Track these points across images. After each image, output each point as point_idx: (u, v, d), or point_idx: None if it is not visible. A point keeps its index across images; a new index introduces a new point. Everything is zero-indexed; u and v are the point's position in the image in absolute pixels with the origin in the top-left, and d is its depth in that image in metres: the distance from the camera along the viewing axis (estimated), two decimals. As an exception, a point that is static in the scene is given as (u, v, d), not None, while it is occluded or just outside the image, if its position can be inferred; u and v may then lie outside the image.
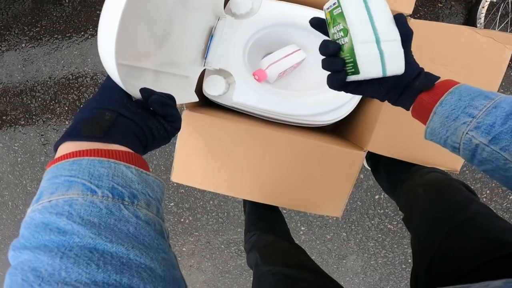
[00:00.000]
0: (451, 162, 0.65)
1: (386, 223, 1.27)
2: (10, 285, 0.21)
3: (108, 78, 0.35)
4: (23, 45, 1.27)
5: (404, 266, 1.35)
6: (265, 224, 0.89)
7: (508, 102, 0.32)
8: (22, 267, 0.21)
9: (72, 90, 1.25)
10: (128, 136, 0.32)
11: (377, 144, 0.65)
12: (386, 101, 0.43)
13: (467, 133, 0.33)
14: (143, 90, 0.36)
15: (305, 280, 0.53)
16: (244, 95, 0.65)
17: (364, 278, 1.41)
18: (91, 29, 1.19)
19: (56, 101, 1.28)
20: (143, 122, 0.34)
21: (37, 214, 0.24)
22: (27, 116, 1.33)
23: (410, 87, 0.39)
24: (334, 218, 1.27)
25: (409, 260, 1.34)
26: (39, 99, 1.30)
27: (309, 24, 0.42)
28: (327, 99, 0.66)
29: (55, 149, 0.31)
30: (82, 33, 1.20)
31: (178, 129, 0.39)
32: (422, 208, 0.59)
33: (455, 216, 0.51)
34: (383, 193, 1.20)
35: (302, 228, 1.30)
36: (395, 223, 1.26)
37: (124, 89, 0.34)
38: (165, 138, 0.38)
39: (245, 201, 1.12)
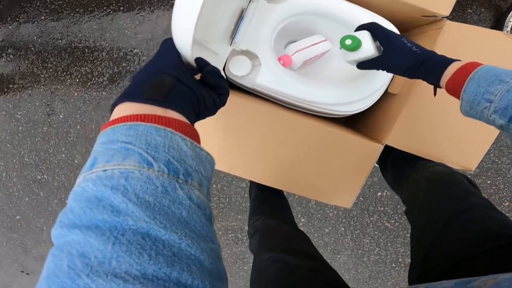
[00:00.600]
0: (466, 162, 0.68)
1: (384, 221, 1.31)
2: (53, 269, 0.19)
3: (165, 44, 0.35)
4: (43, 17, 1.26)
5: (394, 265, 1.39)
6: (270, 209, 0.90)
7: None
8: (70, 250, 0.19)
9: (86, 63, 1.25)
10: (184, 104, 0.31)
11: (396, 138, 0.66)
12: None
13: (490, 116, 0.38)
14: (199, 60, 0.36)
15: (305, 268, 0.53)
16: (268, 78, 0.65)
17: (354, 275, 1.44)
18: (114, 4, 1.19)
19: (68, 72, 1.27)
20: (199, 91, 0.33)
21: (90, 185, 0.22)
22: (35, 85, 1.31)
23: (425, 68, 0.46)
24: (335, 212, 1.31)
25: (400, 259, 1.38)
26: (50, 70, 1.29)
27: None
28: (350, 90, 0.67)
29: (111, 110, 0.29)
30: (105, 7, 1.20)
31: (224, 102, 0.38)
32: (422, 200, 0.61)
33: (452, 208, 0.53)
34: (385, 191, 1.25)
35: (302, 220, 1.32)
36: (392, 221, 1.31)
37: (189, 56, 0.34)
38: (213, 110, 0.37)
39: (251, 185, 1.14)
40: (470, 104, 0.40)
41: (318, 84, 0.68)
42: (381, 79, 0.66)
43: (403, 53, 0.48)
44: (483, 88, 0.38)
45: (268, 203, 0.93)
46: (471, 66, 0.41)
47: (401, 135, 0.66)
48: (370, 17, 0.66)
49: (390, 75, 0.67)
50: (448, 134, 0.66)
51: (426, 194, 0.61)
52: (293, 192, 0.73)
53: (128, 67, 1.21)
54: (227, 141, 0.67)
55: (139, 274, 0.18)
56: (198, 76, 0.36)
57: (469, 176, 0.63)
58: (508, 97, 0.36)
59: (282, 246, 0.63)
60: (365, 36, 0.52)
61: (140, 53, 1.18)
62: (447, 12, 0.61)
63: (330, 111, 0.69)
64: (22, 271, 1.79)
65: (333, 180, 0.69)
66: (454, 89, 0.42)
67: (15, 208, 1.52)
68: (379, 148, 0.65)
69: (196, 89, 0.33)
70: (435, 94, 0.49)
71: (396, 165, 0.82)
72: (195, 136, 0.29)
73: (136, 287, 0.18)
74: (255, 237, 0.75)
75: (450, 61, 0.44)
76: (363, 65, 0.54)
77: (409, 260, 0.56)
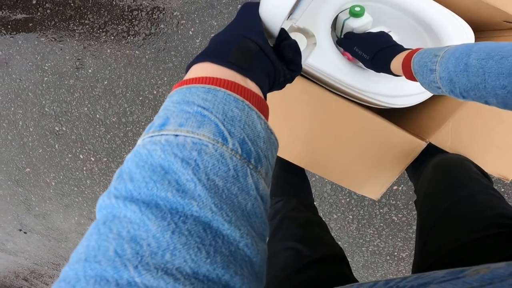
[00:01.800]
0: (504, 171, 0.67)
1: (392, 215, 1.33)
2: (95, 251, 0.16)
3: (247, 7, 0.33)
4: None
5: (388, 258, 1.40)
6: (292, 190, 0.87)
7: (442, 69, 0.40)
8: (120, 230, 0.17)
9: (123, 22, 1.28)
10: (263, 75, 0.29)
11: (442, 139, 0.65)
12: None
13: (452, 96, 0.42)
14: (283, 31, 0.34)
15: (316, 257, 0.52)
16: (322, 59, 0.63)
17: (349, 263, 1.45)
18: (159, -33, 1.23)
19: (104, 30, 1.30)
20: (277, 64, 0.31)
21: (159, 151, 0.20)
22: (68, 40, 1.34)
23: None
24: (347, 200, 1.32)
25: (395, 253, 1.39)
26: (87, 26, 1.31)
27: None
28: (405, 83, 0.64)
29: (187, 69, 0.28)
30: (149, -31, 1.24)
31: (293, 79, 0.37)
32: (427, 187, 0.61)
33: (454, 193, 0.53)
34: (402, 185, 1.27)
35: (314, 203, 1.34)
36: (400, 215, 1.33)
37: (277, 27, 0.33)
38: (282, 85, 0.36)
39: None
40: (431, 90, 0.44)
41: (370, 74, 0.66)
42: None
43: (360, 59, 0.56)
44: (426, 79, 0.43)
45: (291, 184, 0.90)
46: (408, 60, 0.46)
47: (448, 136, 0.65)
48: (444, 12, 0.64)
49: None
50: (495, 141, 0.65)
51: (431, 181, 0.61)
52: (326, 177, 0.72)
53: (165, 29, 1.23)
54: (269, 114, 0.67)
55: (191, 273, 0.16)
56: None
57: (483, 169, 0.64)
58: (444, 83, 0.40)
59: (298, 233, 0.62)
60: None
61: (179, 16, 1.21)
62: None
63: (380, 102, 0.67)
64: (20, 229, 1.76)
65: (367, 170, 0.68)
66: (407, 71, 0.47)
67: (26, 160, 1.52)
68: (422, 145, 0.64)
69: (275, 62, 0.31)
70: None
71: (418, 157, 0.84)
72: (267, 114, 0.28)
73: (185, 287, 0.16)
74: (274, 221, 0.74)
75: (389, 57, 0.50)
76: (341, 42, 0.64)
77: (403, 255, 0.57)
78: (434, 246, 0.49)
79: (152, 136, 0.21)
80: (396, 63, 0.49)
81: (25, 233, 1.75)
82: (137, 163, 0.20)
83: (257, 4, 0.32)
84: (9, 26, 1.40)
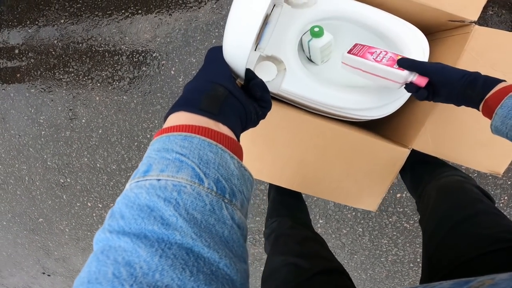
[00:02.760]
0: (494, 165, 0.67)
1: (403, 222, 1.30)
2: (96, 275, 0.19)
3: (213, 52, 0.35)
4: (62, 20, 1.29)
5: (412, 265, 1.39)
6: (287, 211, 0.90)
7: None
8: (116, 257, 0.19)
9: (106, 67, 1.27)
10: (234, 118, 0.31)
11: (424, 143, 0.65)
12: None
13: None
14: (249, 71, 0.35)
15: (316, 271, 0.53)
16: (293, 83, 0.65)
17: (371, 275, 1.44)
18: (132, 8, 1.21)
19: (89, 77, 1.30)
20: (247, 105, 0.33)
21: (144, 194, 0.22)
22: (57, 90, 1.35)
23: (468, 94, 0.44)
24: (353, 213, 1.30)
25: (418, 259, 1.37)
26: (72, 74, 1.32)
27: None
28: (376, 95, 0.67)
29: (165, 118, 0.30)
30: (123, 11, 1.23)
31: (265, 115, 0.39)
32: (431, 208, 0.62)
33: (459, 213, 0.53)
34: (405, 192, 1.24)
35: (320, 221, 1.33)
36: (411, 222, 1.30)
37: (241, 69, 0.34)
38: (255, 122, 0.37)
39: (270, 187, 1.15)
40: (503, 119, 0.40)
41: (343, 89, 0.67)
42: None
43: (449, 76, 0.46)
44: None
45: (286, 206, 0.93)
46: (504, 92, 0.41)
47: (429, 140, 0.65)
48: (396, 22, 0.66)
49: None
50: (476, 138, 0.65)
51: (435, 202, 0.62)
52: (319, 196, 0.73)
53: (148, 71, 1.23)
54: (253, 146, 0.67)
55: None
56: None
57: (488, 188, 0.64)
58: None
59: (296, 249, 0.64)
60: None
61: (159, 57, 1.20)
62: (475, 17, 0.60)
63: (355, 116, 0.69)
64: (43, 273, 1.83)
65: (359, 184, 0.69)
66: (491, 106, 0.42)
67: (38, 211, 1.56)
68: (406, 152, 0.65)
69: (245, 103, 0.33)
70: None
71: (415, 169, 0.82)
72: (240, 154, 0.30)
73: None
74: (270, 239, 0.75)
75: (496, 81, 0.43)
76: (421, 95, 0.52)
77: (421, 270, 0.57)
78: (441, 262, 0.49)
79: (138, 181, 0.24)
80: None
81: (48, 275, 1.82)
82: (126, 204, 0.22)
83: (221, 47, 0.34)
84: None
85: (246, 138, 0.66)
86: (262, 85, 0.35)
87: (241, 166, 0.28)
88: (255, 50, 0.66)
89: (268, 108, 0.38)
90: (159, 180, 0.23)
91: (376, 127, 0.91)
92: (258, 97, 0.36)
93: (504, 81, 0.43)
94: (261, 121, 0.37)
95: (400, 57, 0.57)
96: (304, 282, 0.51)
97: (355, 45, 0.65)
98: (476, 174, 1.18)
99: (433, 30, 0.75)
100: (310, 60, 0.73)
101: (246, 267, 0.25)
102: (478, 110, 0.46)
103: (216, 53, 0.35)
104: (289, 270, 0.55)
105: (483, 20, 1.04)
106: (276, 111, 0.64)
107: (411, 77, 0.51)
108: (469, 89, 0.44)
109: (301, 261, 0.56)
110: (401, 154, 0.65)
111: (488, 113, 0.43)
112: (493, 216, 0.51)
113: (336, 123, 0.69)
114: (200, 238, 0.21)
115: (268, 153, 0.68)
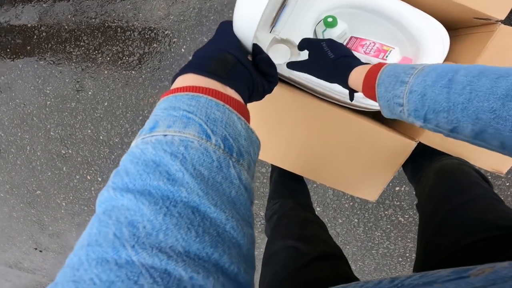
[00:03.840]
0: (498, 165, 0.67)
1: (398, 216, 1.32)
2: (97, 237, 0.18)
3: (224, 25, 0.36)
4: (78, -6, 1.31)
5: (400, 259, 1.40)
6: (289, 193, 0.90)
7: (418, 82, 0.34)
8: (118, 217, 0.19)
9: (117, 43, 1.29)
10: (241, 84, 0.31)
11: (431, 137, 0.65)
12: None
13: (408, 118, 0.37)
14: (256, 46, 0.36)
15: (315, 255, 0.53)
16: None
17: (361, 266, 1.45)
18: (148, -14, 1.24)
19: (100, 51, 1.32)
20: (255, 75, 0.34)
21: (150, 149, 0.22)
22: (66, 62, 1.36)
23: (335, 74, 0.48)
24: (351, 204, 1.32)
25: (407, 254, 1.38)
26: (82, 48, 1.33)
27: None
28: None
29: (173, 80, 0.30)
30: (139, -12, 1.25)
31: (271, 90, 0.39)
32: (427, 193, 0.61)
33: (455, 197, 0.53)
34: (404, 186, 1.26)
35: (318, 209, 1.34)
36: (406, 216, 1.32)
37: (249, 43, 0.35)
38: (261, 95, 0.38)
39: (272, 170, 1.16)
40: (388, 109, 0.40)
41: None
42: None
43: (320, 58, 0.50)
44: (390, 92, 0.38)
45: (288, 188, 0.94)
46: (375, 70, 0.41)
47: (437, 134, 0.66)
48: (417, 14, 0.65)
49: None
50: None
51: (432, 185, 0.62)
52: (320, 182, 0.74)
53: (158, 48, 1.25)
54: (260, 126, 0.67)
55: (182, 251, 0.18)
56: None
57: (482, 172, 0.63)
58: (413, 99, 0.35)
59: (296, 232, 0.64)
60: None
61: (171, 35, 1.22)
62: (502, 16, 0.58)
63: (363, 104, 0.69)
64: (36, 248, 1.82)
65: (361, 173, 0.69)
66: (371, 96, 0.42)
67: (37, 183, 1.56)
68: (412, 145, 0.65)
69: (253, 72, 0.34)
70: (351, 99, 0.51)
71: (416, 159, 0.82)
72: (247, 117, 0.30)
73: (178, 264, 0.17)
74: (271, 221, 0.75)
75: (354, 65, 0.45)
76: (293, 65, 0.57)
77: (415, 255, 0.58)
78: (435, 249, 0.49)
79: (144, 138, 0.23)
80: (358, 73, 0.45)
81: (40, 251, 1.80)
82: (131, 160, 0.22)
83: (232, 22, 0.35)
84: (8, 50, 1.44)
85: (253, 118, 0.66)
86: (268, 60, 0.36)
87: (249, 128, 0.28)
88: (270, 32, 0.68)
89: (274, 83, 0.38)
90: (165, 135, 0.23)
91: (385, 118, 0.92)
92: (265, 72, 0.36)
93: (364, 63, 0.45)
94: (269, 103, 0.37)
95: (385, 47, 0.63)
96: (302, 268, 0.50)
97: (351, 38, 0.68)
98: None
99: (455, 26, 0.73)
100: None
101: (252, 232, 0.24)
102: (354, 91, 0.48)
103: (227, 26, 0.36)
104: (288, 255, 0.55)
105: (508, 20, 1.06)
106: (285, 94, 0.64)
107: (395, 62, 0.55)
108: (334, 70, 0.48)
109: (300, 245, 0.56)
110: (407, 146, 0.65)
111: (374, 99, 0.43)
112: (490, 201, 0.51)
113: (345, 110, 0.69)
114: (207, 196, 0.21)
115: (273, 135, 0.68)
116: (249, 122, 0.29)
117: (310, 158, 0.69)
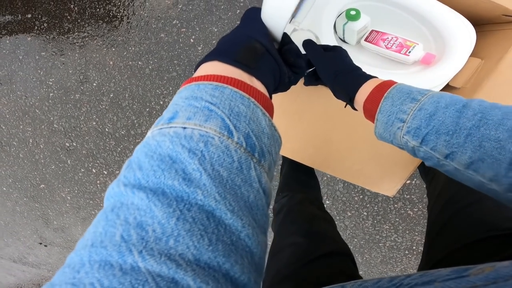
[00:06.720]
0: None
1: (407, 209, 1.31)
2: (102, 237, 0.17)
3: (251, 12, 0.34)
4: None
5: (407, 252, 1.40)
6: (299, 187, 0.90)
7: (431, 102, 0.33)
8: (127, 217, 0.17)
9: (123, 32, 1.26)
10: (269, 75, 0.30)
11: None
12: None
13: (402, 137, 0.35)
14: (286, 36, 0.35)
15: (321, 253, 0.53)
16: None
17: (367, 259, 1.46)
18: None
19: (104, 42, 1.28)
20: (282, 65, 0.32)
21: (167, 142, 0.20)
22: (69, 53, 1.32)
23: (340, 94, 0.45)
24: (360, 197, 1.31)
25: (413, 247, 1.39)
26: (86, 39, 1.30)
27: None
28: (412, 82, 0.63)
29: (196, 67, 0.28)
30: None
31: (297, 81, 0.38)
32: (439, 192, 0.62)
33: (463, 198, 0.53)
34: (415, 179, 1.25)
35: (327, 202, 1.33)
36: (416, 209, 1.32)
37: (280, 32, 0.34)
38: (286, 87, 0.36)
39: (283, 162, 1.15)
40: (384, 126, 0.38)
41: (377, 71, 0.64)
42: (445, 73, 0.64)
43: (325, 64, 0.46)
44: (397, 107, 0.36)
45: (298, 181, 0.93)
46: (386, 85, 0.38)
47: None
48: (443, 9, 0.63)
49: (455, 68, 0.64)
50: None
51: (443, 186, 0.62)
52: (339, 177, 0.73)
53: (166, 38, 1.21)
54: (279, 120, 0.66)
55: (193, 260, 0.16)
56: None
57: None
58: (420, 116, 0.33)
59: (304, 228, 0.63)
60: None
61: (179, 24, 1.19)
62: None
63: None
64: (40, 243, 1.80)
65: (381, 168, 0.68)
66: (371, 110, 0.40)
67: (40, 176, 1.53)
68: None
69: (281, 63, 0.32)
70: (346, 105, 0.49)
71: None
72: (271, 113, 0.28)
73: (187, 274, 0.16)
74: (279, 216, 0.74)
75: (366, 77, 0.42)
76: (309, 81, 0.53)
77: (422, 249, 0.58)
78: (439, 247, 0.49)
79: (161, 129, 0.22)
80: (367, 85, 0.41)
81: (45, 246, 1.79)
82: (146, 153, 0.20)
83: (259, 9, 0.34)
84: (7, 42, 1.39)
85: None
86: (296, 50, 0.35)
87: (272, 125, 0.26)
88: (289, 22, 0.65)
89: (301, 74, 0.37)
90: (184, 128, 0.21)
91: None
92: (292, 62, 0.35)
93: (375, 77, 0.42)
94: (290, 95, 0.35)
95: (408, 42, 0.62)
96: (305, 266, 0.50)
97: (371, 31, 0.67)
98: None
99: (482, 22, 0.71)
100: (342, 41, 0.72)
101: (266, 239, 0.22)
102: (354, 107, 0.44)
103: (254, 13, 0.34)
104: (293, 252, 0.54)
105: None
106: (305, 87, 0.62)
107: (417, 58, 0.54)
108: (339, 89, 0.44)
109: (307, 242, 0.55)
110: None
111: (370, 114, 0.41)
112: (496, 203, 0.50)
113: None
114: (224, 201, 0.19)
115: (293, 128, 0.67)
116: (272, 117, 0.27)
117: (329, 153, 0.68)
